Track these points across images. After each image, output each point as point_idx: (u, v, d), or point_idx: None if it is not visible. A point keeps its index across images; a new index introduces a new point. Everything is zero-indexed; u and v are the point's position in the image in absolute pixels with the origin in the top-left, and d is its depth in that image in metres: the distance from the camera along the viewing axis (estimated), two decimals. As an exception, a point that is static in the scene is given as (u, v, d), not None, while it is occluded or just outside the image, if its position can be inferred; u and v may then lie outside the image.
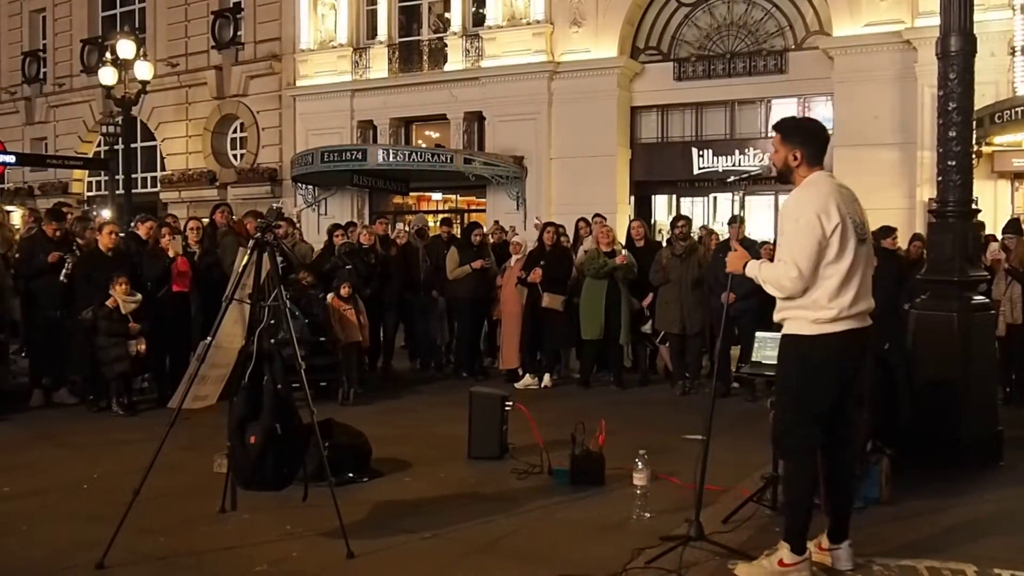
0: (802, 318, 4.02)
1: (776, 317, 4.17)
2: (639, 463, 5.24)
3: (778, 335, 5.30)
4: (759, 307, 9.32)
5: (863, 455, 5.20)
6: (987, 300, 6.82)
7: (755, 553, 4.27)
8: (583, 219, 11.83)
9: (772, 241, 11.52)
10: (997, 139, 14.52)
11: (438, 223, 12.68)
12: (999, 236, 10.13)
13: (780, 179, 4.25)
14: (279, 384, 4.74)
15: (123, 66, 17.34)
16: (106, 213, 18.11)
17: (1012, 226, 9.75)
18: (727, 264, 4.36)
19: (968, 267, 6.39)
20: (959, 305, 6.29)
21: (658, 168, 19.27)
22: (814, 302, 3.97)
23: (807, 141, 4.16)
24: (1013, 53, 14.55)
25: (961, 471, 5.86)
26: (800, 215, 3.99)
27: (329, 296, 9.44)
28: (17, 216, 25.75)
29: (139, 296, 8.58)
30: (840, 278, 3.94)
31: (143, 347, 8.50)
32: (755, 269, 4.18)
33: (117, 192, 18.95)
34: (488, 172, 18.77)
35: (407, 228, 12.35)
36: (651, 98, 19.18)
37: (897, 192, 15.37)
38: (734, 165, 18.08)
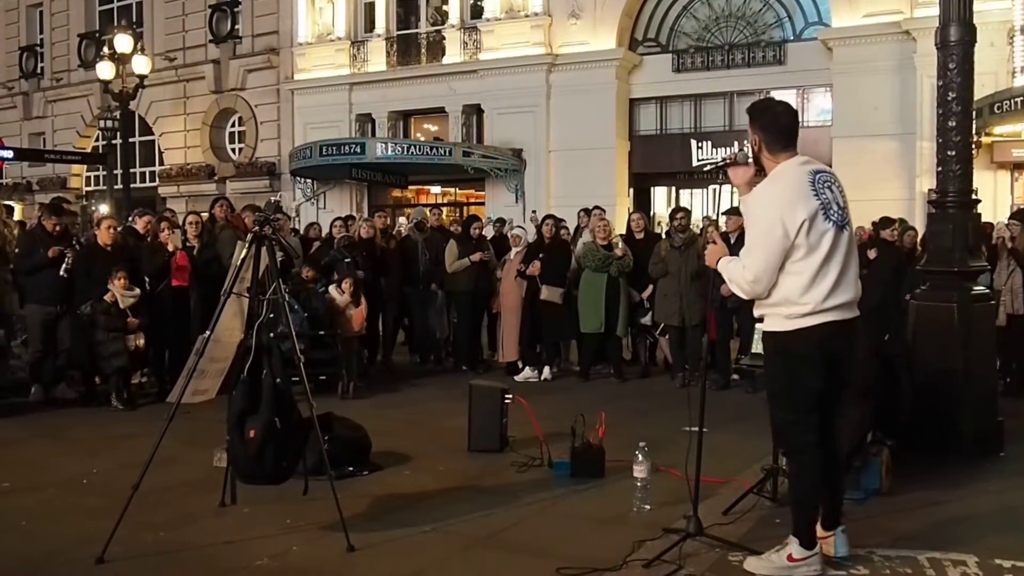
0: (776, 314, 3.94)
1: (755, 313, 4.10)
2: (639, 455, 5.24)
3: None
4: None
5: (863, 447, 5.20)
6: (987, 291, 6.81)
7: (755, 546, 4.27)
8: (584, 209, 11.81)
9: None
10: (997, 129, 14.52)
11: (429, 210, 12.65)
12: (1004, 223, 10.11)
13: (757, 163, 4.06)
14: (278, 378, 4.73)
15: (121, 60, 17.31)
16: (104, 208, 18.09)
17: (1020, 215, 9.67)
18: (706, 258, 4.26)
19: (968, 257, 6.37)
20: (959, 296, 6.28)
21: (657, 160, 19.28)
22: (785, 299, 3.85)
23: (765, 127, 3.96)
24: (1012, 40, 14.53)
25: (961, 462, 5.85)
26: (761, 217, 3.85)
27: (331, 289, 9.43)
28: (16, 211, 25.79)
29: (137, 291, 8.57)
30: (812, 273, 3.79)
31: (141, 342, 8.49)
32: (724, 265, 4.06)
33: (115, 187, 18.95)
34: (487, 165, 18.77)
35: (409, 221, 12.35)
36: (650, 90, 19.19)
37: (897, 183, 15.37)
38: (733, 157, 18.05)
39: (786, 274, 3.83)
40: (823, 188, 3.83)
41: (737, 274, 3.94)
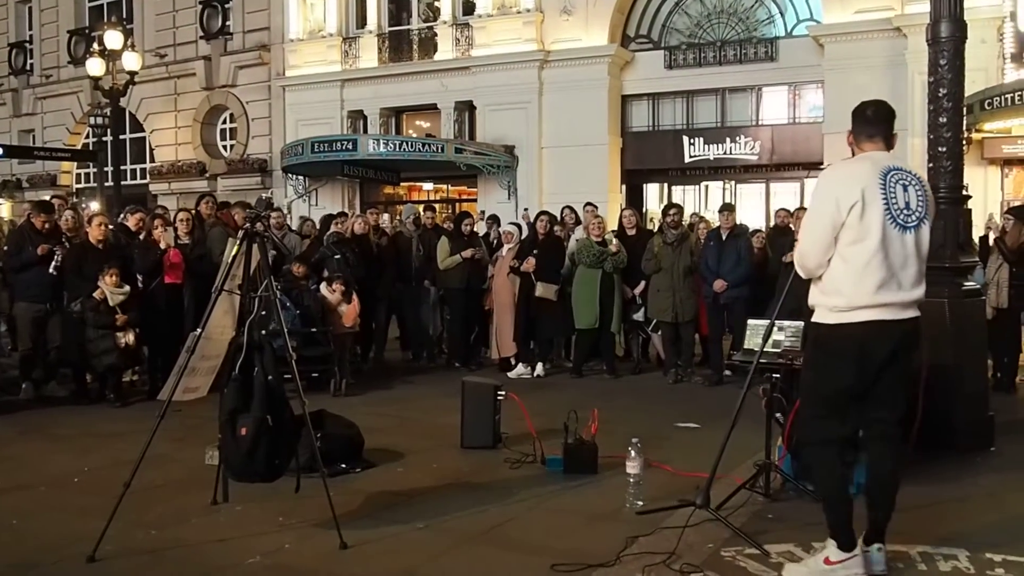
0: (822, 305, 3.88)
1: (809, 303, 4.02)
2: (632, 451, 5.25)
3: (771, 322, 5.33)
4: (750, 295, 9.37)
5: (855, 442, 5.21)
6: (978, 286, 6.83)
7: (758, 538, 4.30)
8: (568, 207, 11.80)
9: (763, 230, 11.53)
10: (987, 126, 14.57)
11: (423, 210, 12.57)
12: (997, 219, 10.10)
13: None
14: (270, 375, 4.71)
15: (111, 57, 17.24)
16: (94, 205, 18.03)
17: (1018, 212, 9.63)
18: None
19: (959, 253, 6.39)
20: (950, 291, 6.31)
21: (649, 156, 19.30)
22: (834, 288, 3.81)
23: (852, 118, 4.04)
24: (1002, 36, 14.56)
25: (953, 457, 5.89)
26: (817, 195, 3.90)
27: (322, 287, 9.41)
28: (6, 209, 25.69)
29: (127, 288, 8.53)
30: (861, 263, 3.72)
31: (132, 339, 8.45)
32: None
33: (106, 184, 18.87)
34: (479, 162, 18.75)
35: (399, 218, 12.31)
36: (642, 86, 19.19)
37: (888, 179, 15.39)
38: (725, 153, 18.12)
39: (838, 256, 3.79)
40: (894, 185, 3.77)
41: (796, 249, 3.98)
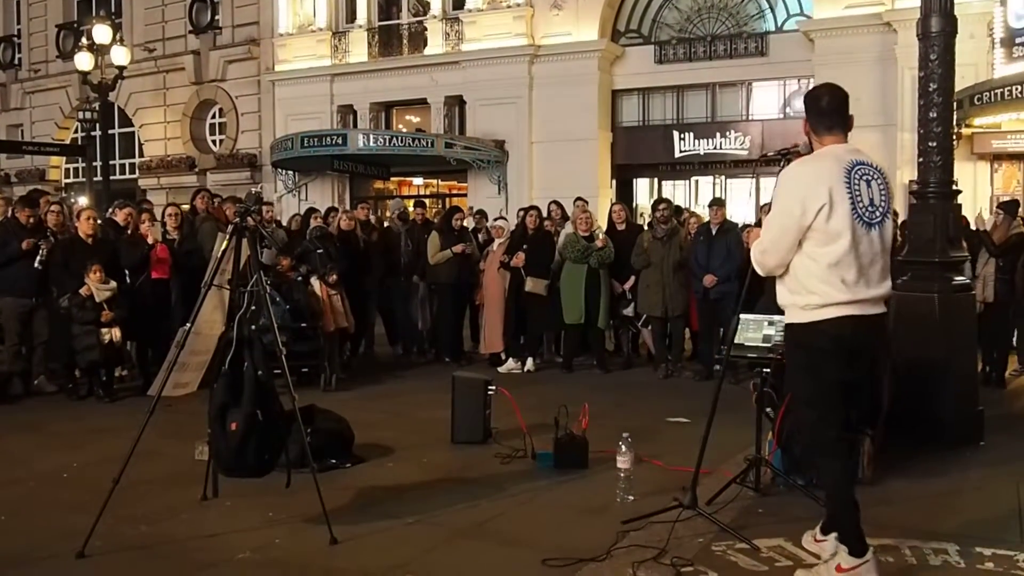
0: (793, 305, 3.87)
1: (779, 302, 4.01)
2: (622, 446, 5.25)
3: (761, 317, 5.35)
4: (740, 290, 9.37)
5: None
6: (968, 281, 6.86)
7: (744, 533, 4.29)
8: (555, 202, 11.78)
9: (755, 225, 11.55)
10: (977, 121, 14.59)
11: (413, 206, 12.49)
12: (988, 213, 10.11)
13: None
14: (259, 370, 4.70)
15: (99, 51, 17.16)
16: (83, 200, 17.95)
17: (1008, 206, 9.62)
18: (748, 240, 4.16)
19: (949, 248, 6.41)
20: (940, 286, 6.32)
21: (639, 151, 19.29)
22: (802, 286, 3.80)
23: (807, 108, 3.97)
24: (991, 33, 14.59)
25: (943, 452, 5.90)
26: (784, 193, 3.84)
27: (312, 282, 9.36)
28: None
29: (113, 284, 8.48)
30: (828, 263, 3.72)
31: (117, 335, 8.40)
32: (753, 244, 4.05)
33: (95, 179, 18.79)
34: (469, 156, 18.73)
35: (387, 213, 12.26)
36: (632, 81, 19.18)
37: (877, 174, 15.42)
38: (716, 148, 18.13)
39: (805, 255, 3.78)
40: (858, 181, 3.75)
41: (754, 246, 3.94)
